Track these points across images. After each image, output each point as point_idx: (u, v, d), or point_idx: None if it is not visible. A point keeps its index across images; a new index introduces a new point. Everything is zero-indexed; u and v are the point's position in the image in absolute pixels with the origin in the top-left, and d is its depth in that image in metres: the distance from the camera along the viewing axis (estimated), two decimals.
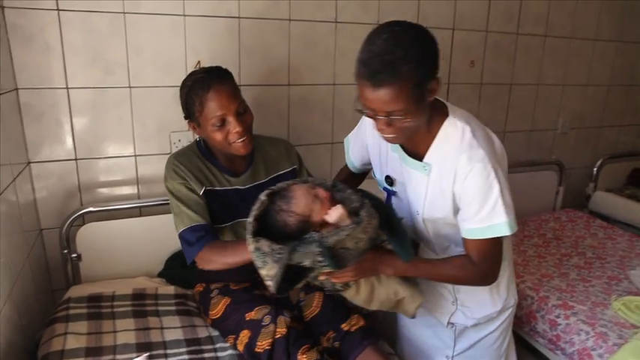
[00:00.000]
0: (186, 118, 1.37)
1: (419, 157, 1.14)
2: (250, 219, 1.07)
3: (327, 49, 1.98)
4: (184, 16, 1.70)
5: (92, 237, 1.65)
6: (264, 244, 1.01)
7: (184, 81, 1.34)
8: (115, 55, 1.64)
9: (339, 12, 1.96)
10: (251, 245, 1.04)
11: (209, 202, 1.37)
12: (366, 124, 1.29)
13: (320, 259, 0.98)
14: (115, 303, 1.50)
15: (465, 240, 1.13)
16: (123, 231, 1.69)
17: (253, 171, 1.45)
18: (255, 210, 1.08)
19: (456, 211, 1.13)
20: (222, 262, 1.28)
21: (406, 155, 1.16)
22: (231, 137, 1.30)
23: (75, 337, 1.31)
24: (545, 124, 2.70)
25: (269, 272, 1.02)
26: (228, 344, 1.34)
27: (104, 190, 1.74)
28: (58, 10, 1.53)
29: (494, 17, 2.32)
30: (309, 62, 1.96)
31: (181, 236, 1.32)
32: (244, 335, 1.27)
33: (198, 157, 1.39)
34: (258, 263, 1.04)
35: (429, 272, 1.18)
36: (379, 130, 1.04)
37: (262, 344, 1.22)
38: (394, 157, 1.20)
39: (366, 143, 1.31)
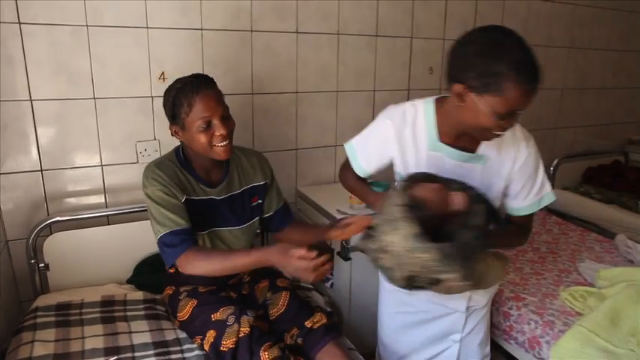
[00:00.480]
0: (171, 119, 1.38)
1: (468, 150, 1.22)
2: (415, 230, 0.99)
3: (289, 58, 2.04)
4: (147, 28, 1.74)
5: (60, 246, 1.66)
6: (444, 247, 0.98)
7: (173, 84, 1.36)
8: (78, 67, 1.67)
9: (300, 23, 2.03)
10: (438, 254, 0.97)
11: (188, 210, 1.37)
12: (391, 137, 1.27)
13: (476, 241, 1.04)
14: (83, 310, 1.52)
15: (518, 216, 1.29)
16: (91, 240, 1.71)
17: (229, 182, 1.48)
18: (410, 216, 1.01)
19: (504, 194, 1.28)
20: (207, 267, 1.27)
21: (456, 150, 1.22)
22: (215, 140, 1.33)
23: (42, 344, 1.33)
24: None
25: (463, 273, 0.98)
26: (195, 345, 1.39)
27: (71, 200, 1.76)
28: (19, 23, 1.55)
29: (450, 26, 2.43)
30: (271, 72, 2.02)
31: (162, 240, 1.30)
32: (210, 335, 1.31)
33: (176, 167, 1.41)
34: (446, 269, 0.98)
35: (502, 240, 1.29)
36: (508, 127, 1.09)
37: (227, 343, 1.27)
38: (435, 155, 1.24)
39: (391, 154, 1.30)
